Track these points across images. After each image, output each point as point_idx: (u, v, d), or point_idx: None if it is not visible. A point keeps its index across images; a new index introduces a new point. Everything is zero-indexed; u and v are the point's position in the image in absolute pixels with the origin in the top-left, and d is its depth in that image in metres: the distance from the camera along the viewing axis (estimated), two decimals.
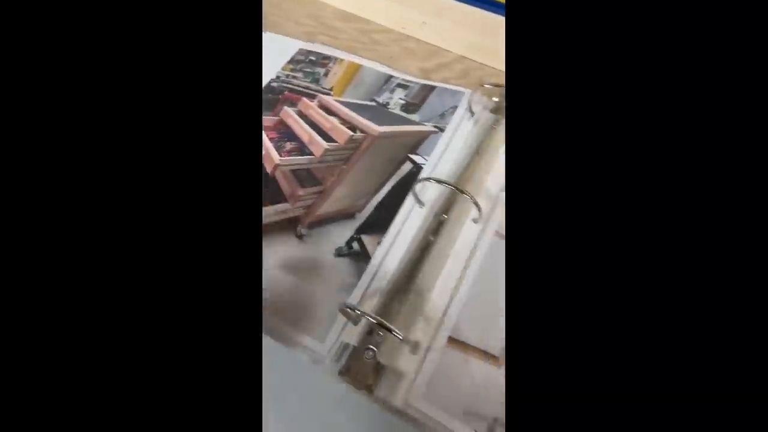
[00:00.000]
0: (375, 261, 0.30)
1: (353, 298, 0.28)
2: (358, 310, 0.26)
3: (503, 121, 0.36)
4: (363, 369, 0.26)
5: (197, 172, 0.16)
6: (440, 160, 0.35)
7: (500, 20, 0.41)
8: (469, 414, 0.25)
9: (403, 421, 0.25)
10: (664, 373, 0.15)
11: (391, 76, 0.42)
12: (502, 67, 0.41)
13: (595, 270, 0.15)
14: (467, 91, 0.38)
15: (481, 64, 0.42)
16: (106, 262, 0.16)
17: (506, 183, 0.32)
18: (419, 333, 0.27)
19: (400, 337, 0.25)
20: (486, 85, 0.37)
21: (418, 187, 0.32)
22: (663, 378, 0.14)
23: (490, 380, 0.26)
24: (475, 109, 0.37)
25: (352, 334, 0.27)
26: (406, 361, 0.26)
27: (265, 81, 0.42)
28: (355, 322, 0.27)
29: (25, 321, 0.15)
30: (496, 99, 0.37)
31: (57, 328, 0.15)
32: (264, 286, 0.30)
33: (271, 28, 0.47)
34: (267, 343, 0.27)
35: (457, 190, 0.30)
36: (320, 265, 0.30)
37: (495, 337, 0.27)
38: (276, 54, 0.44)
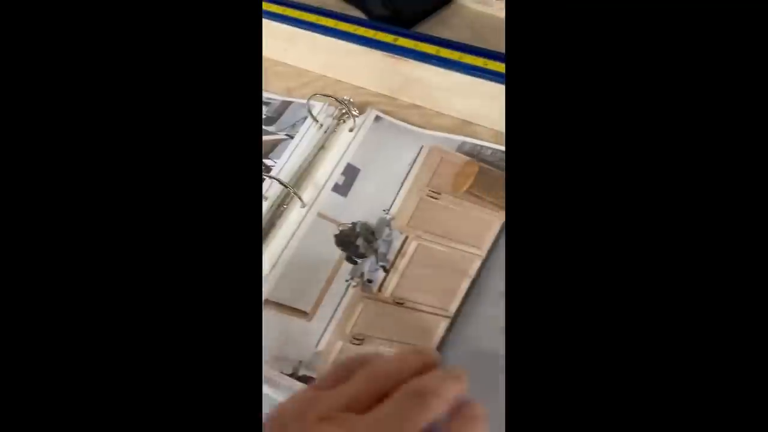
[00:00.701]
0: None
1: None
2: None
3: (341, 126, 0.43)
4: None
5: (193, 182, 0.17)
6: (287, 162, 0.41)
7: (344, 44, 0.47)
8: (278, 359, 0.30)
9: None
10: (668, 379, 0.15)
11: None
12: (353, 81, 0.48)
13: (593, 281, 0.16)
14: (311, 103, 0.44)
15: (336, 80, 0.49)
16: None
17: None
18: None
19: None
20: (317, 94, 0.43)
21: (263, 184, 0.38)
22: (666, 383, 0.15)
23: (300, 330, 0.32)
24: (319, 117, 0.43)
25: None
26: None
27: None
28: None
29: (21, 319, 0.15)
30: (340, 108, 0.44)
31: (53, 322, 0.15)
32: None
33: None
34: None
35: (279, 182, 0.36)
36: None
37: (306, 298, 0.33)
38: None
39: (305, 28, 0.47)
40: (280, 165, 0.41)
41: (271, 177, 0.38)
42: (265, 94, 0.48)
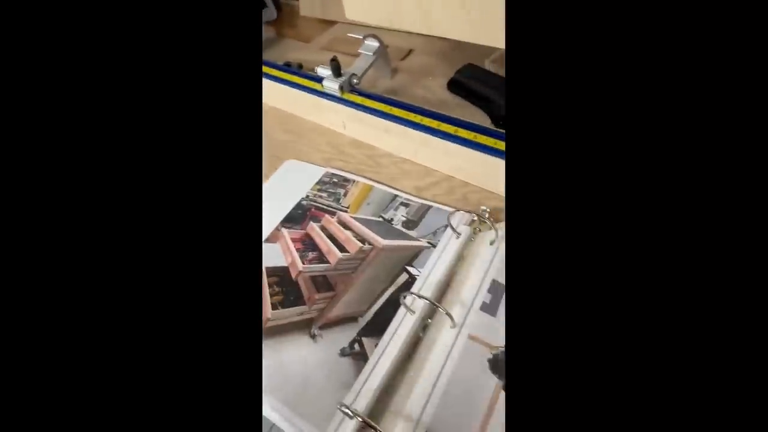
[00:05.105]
0: (371, 362, 0.33)
1: (349, 396, 0.31)
2: (352, 411, 0.29)
3: (479, 234, 0.40)
4: None
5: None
6: (430, 274, 0.38)
7: (475, 153, 0.44)
8: None
9: None
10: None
11: (396, 196, 0.46)
12: (482, 184, 0.45)
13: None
14: (449, 211, 0.42)
15: (463, 182, 0.46)
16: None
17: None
18: (401, 428, 0.29)
19: None
20: (460, 211, 0.41)
21: (408, 298, 0.36)
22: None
23: None
24: (454, 224, 0.40)
25: (349, 428, 0.30)
26: None
27: (296, 200, 0.48)
28: (351, 417, 0.30)
29: (21, 318, 0.14)
30: (474, 216, 0.41)
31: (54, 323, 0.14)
32: (281, 378, 0.33)
33: (302, 157, 0.54)
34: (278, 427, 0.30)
35: (433, 304, 0.33)
36: (327, 363, 0.34)
37: None
38: (307, 178, 0.50)
39: (433, 134, 0.45)
40: (424, 276, 0.38)
41: (419, 296, 0.35)
42: (404, 195, 0.46)
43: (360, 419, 0.28)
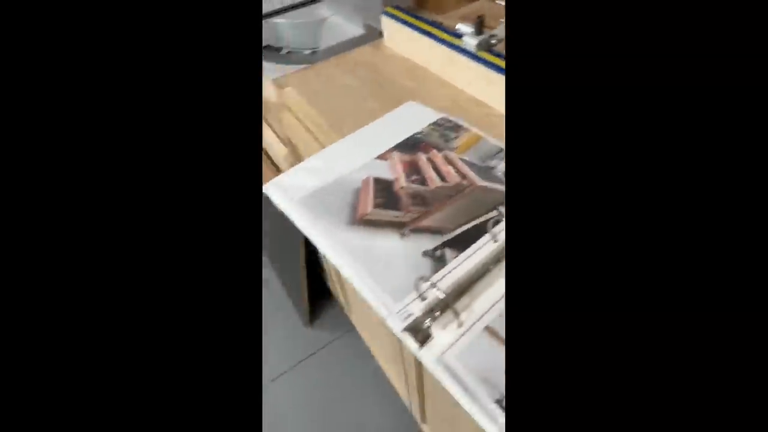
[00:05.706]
0: (450, 266, 0.37)
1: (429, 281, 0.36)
2: (433, 284, 0.33)
3: None
4: (420, 331, 0.33)
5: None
6: None
7: None
8: (487, 382, 0.30)
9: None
10: None
11: (502, 149, 0.49)
12: None
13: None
14: None
15: None
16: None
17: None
18: (465, 317, 0.33)
19: (459, 320, 0.31)
20: None
21: (496, 228, 0.39)
22: None
23: None
24: None
25: (418, 307, 0.34)
26: (451, 332, 0.32)
27: (410, 133, 0.53)
28: (422, 299, 0.34)
29: (22, 315, 0.14)
30: None
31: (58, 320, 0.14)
32: (369, 255, 0.38)
33: (422, 100, 0.58)
34: (363, 295, 0.36)
35: None
36: (410, 257, 0.38)
37: None
38: (424, 117, 0.55)
39: None
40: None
41: None
42: None
43: (437, 293, 0.33)
